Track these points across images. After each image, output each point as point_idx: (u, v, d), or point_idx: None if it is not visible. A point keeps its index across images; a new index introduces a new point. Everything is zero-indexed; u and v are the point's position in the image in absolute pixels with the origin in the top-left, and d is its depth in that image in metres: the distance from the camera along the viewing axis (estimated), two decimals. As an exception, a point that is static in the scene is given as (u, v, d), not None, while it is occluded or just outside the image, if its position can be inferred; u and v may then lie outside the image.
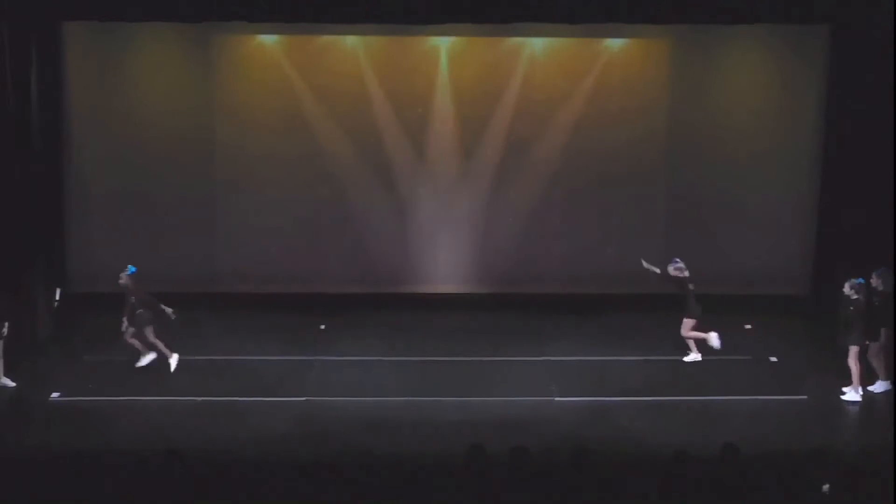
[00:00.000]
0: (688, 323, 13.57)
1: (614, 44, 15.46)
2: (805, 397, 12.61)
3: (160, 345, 13.21)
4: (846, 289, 12.32)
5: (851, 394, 12.41)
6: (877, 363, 12.59)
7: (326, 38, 15.33)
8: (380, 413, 12.04)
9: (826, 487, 8.49)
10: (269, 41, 15.42)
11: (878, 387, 12.58)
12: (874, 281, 12.52)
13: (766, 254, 15.79)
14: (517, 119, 15.60)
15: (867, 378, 12.56)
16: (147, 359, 13.30)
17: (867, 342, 12.36)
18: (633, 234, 15.75)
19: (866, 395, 12.46)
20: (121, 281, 13.12)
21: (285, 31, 15.08)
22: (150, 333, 13.19)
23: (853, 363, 12.33)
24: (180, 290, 15.46)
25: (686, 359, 13.62)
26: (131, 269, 13.11)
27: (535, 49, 15.50)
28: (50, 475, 8.54)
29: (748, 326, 15.09)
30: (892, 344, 12.44)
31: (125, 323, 13.22)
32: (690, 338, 13.62)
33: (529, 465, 8.54)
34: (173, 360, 13.16)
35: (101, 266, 15.64)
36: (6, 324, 12.56)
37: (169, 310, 13.07)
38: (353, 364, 13.65)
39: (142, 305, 13.08)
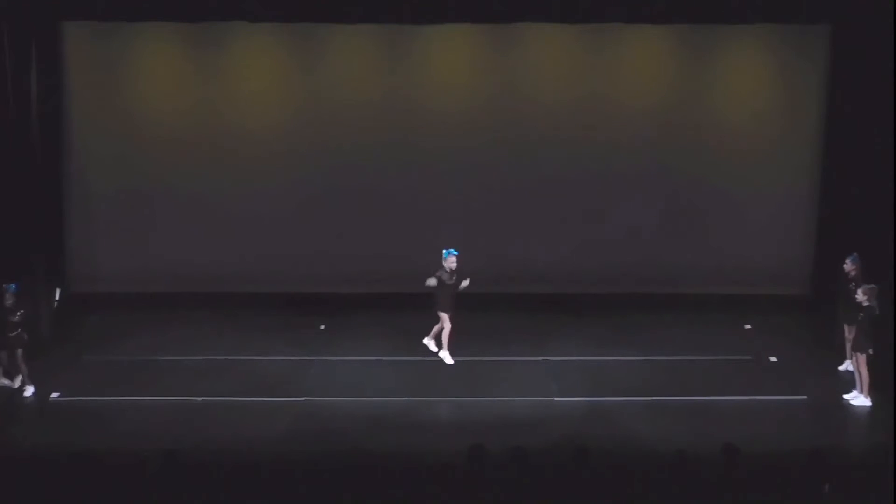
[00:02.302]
0: (443, 317, 13.55)
1: (614, 44, 15.42)
2: (805, 397, 12.61)
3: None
4: (859, 295, 12.24)
5: (861, 399, 12.36)
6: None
7: (327, 38, 15.32)
8: (380, 413, 12.04)
9: (826, 487, 8.49)
10: (269, 41, 15.39)
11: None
12: (847, 266, 12.82)
13: (766, 254, 15.78)
14: (517, 119, 15.57)
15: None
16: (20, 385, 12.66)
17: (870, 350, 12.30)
18: (633, 234, 15.75)
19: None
20: (8, 303, 12.36)
21: (285, 31, 15.06)
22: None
23: (863, 369, 12.27)
24: (180, 290, 15.56)
25: (440, 355, 13.59)
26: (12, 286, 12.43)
27: (536, 49, 15.47)
28: (50, 475, 8.55)
29: (748, 326, 15.10)
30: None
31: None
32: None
33: (529, 465, 8.55)
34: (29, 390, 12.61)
35: (101, 266, 15.70)
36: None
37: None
38: (353, 364, 13.65)
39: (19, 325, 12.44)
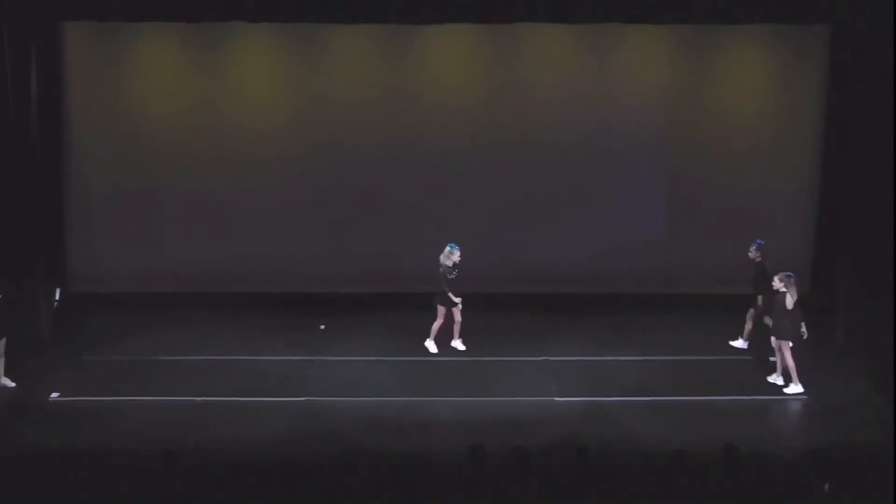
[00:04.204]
0: (440, 310, 13.81)
1: (614, 44, 15.41)
2: (805, 397, 12.62)
3: None
4: (775, 282, 12.74)
5: (793, 387, 12.68)
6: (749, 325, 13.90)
7: (326, 38, 15.31)
8: (380, 413, 12.04)
9: (826, 487, 8.49)
10: (269, 41, 15.38)
11: (738, 343, 14.05)
12: (752, 254, 13.85)
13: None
14: (517, 119, 15.56)
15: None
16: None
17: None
18: (633, 234, 15.75)
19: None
20: None
21: (285, 31, 15.06)
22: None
23: (787, 358, 12.65)
24: (180, 290, 15.56)
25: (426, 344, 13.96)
26: None
27: (536, 49, 15.46)
28: (50, 475, 8.55)
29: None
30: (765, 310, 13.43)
31: None
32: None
33: (529, 465, 8.55)
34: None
35: (101, 266, 15.70)
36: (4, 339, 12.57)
37: None
38: (353, 364, 13.65)
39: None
